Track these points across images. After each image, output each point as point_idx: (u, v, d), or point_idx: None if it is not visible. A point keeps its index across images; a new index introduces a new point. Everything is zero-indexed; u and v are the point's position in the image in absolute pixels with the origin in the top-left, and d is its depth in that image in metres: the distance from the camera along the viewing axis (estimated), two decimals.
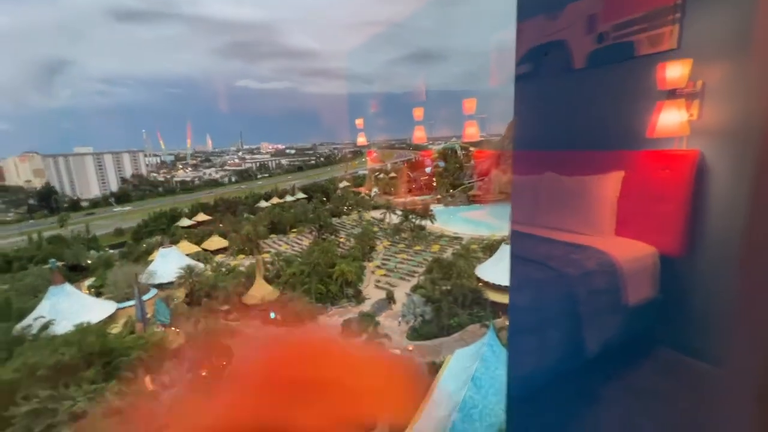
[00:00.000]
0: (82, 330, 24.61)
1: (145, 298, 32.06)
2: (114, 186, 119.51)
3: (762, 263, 0.87)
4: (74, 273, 45.02)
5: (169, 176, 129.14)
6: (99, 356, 22.75)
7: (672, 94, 1.65)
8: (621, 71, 1.81)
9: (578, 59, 1.85)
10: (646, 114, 1.74)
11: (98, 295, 36.69)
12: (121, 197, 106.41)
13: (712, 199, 1.60)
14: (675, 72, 1.62)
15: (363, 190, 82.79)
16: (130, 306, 31.92)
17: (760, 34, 0.76)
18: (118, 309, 32.55)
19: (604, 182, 1.95)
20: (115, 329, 29.29)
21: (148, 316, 30.37)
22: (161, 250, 43.58)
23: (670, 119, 1.69)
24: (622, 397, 1.66)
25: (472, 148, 76.46)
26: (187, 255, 43.93)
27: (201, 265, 40.85)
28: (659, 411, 1.50)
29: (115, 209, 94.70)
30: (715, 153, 1.60)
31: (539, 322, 1.85)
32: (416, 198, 70.76)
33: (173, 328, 30.75)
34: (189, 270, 36.88)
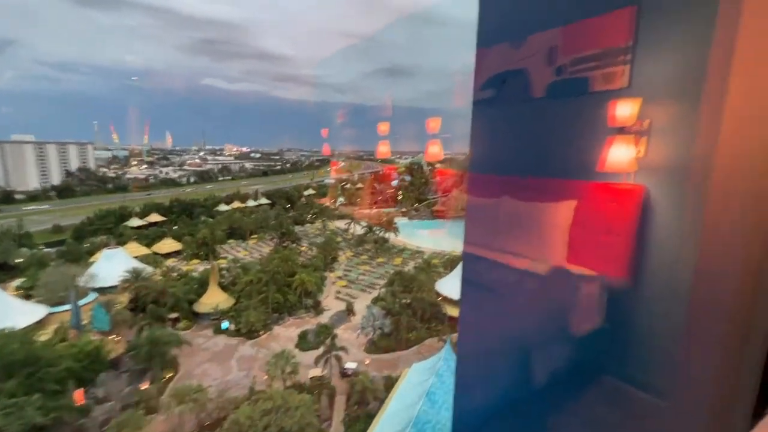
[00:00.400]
0: (4, 336, 22.09)
1: (82, 302, 29.47)
2: (56, 179, 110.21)
3: (704, 297, 0.89)
4: (0, 272, 40.67)
5: (120, 172, 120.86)
6: (22, 366, 20.43)
7: (622, 130, 1.73)
8: (576, 104, 1.87)
9: (536, 90, 1.90)
10: (598, 148, 1.80)
11: (27, 297, 33.25)
12: (64, 191, 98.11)
13: (656, 232, 1.68)
14: (625, 110, 1.71)
15: (326, 200, 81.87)
16: (65, 311, 29.20)
17: (709, 80, 0.79)
18: (50, 314, 29.60)
19: (557, 210, 2.00)
20: (44, 336, 26.59)
21: (84, 322, 27.89)
22: (105, 251, 40.52)
23: (619, 155, 1.77)
24: (568, 428, 1.67)
25: (439, 165, 78.34)
26: (135, 257, 41.14)
27: (150, 268, 38.32)
28: None
29: (26, 206, 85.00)
30: (658, 189, 1.69)
31: (487, 351, 1.84)
32: (381, 210, 71.09)
33: (112, 336, 28.45)
34: (136, 273, 34.47)
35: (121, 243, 46.27)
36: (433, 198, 73.68)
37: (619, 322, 1.73)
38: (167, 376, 26.12)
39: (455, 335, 29.44)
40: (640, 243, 1.80)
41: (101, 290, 33.97)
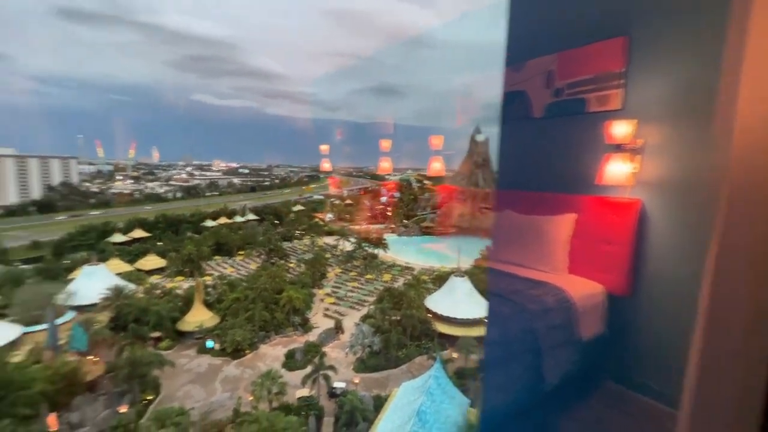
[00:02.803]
0: None
1: (59, 321, 28.31)
2: (37, 193, 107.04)
3: (716, 307, 0.87)
4: None
5: (104, 187, 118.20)
6: None
7: (618, 148, 1.86)
8: (575, 123, 2.00)
9: (537, 109, 2.03)
10: (597, 163, 1.92)
11: (1, 316, 31.80)
12: (45, 206, 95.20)
13: (652, 243, 1.78)
14: (620, 129, 1.84)
15: (318, 215, 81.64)
16: (41, 330, 27.95)
17: (700, 102, 0.87)
18: (24, 333, 28.30)
19: (559, 222, 2.10)
20: (17, 358, 25.32)
21: (61, 342, 26.71)
22: (85, 268, 39.22)
23: (616, 170, 1.90)
24: (575, 428, 1.72)
25: (427, 182, 79.08)
26: (118, 274, 39.93)
27: (132, 285, 37.20)
28: None
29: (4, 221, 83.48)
30: (655, 203, 1.80)
31: (508, 357, 1.90)
32: (370, 226, 71.04)
33: (91, 357, 27.25)
34: (117, 291, 33.40)
35: (103, 259, 44.92)
36: (422, 214, 74.10)
37: (623, 329, 1.81)
38: (147, 399, 25.04)
39: (445, 352, 29.13)
40: (637, 253, 1.92)
41: (80, 308, 32.74)
